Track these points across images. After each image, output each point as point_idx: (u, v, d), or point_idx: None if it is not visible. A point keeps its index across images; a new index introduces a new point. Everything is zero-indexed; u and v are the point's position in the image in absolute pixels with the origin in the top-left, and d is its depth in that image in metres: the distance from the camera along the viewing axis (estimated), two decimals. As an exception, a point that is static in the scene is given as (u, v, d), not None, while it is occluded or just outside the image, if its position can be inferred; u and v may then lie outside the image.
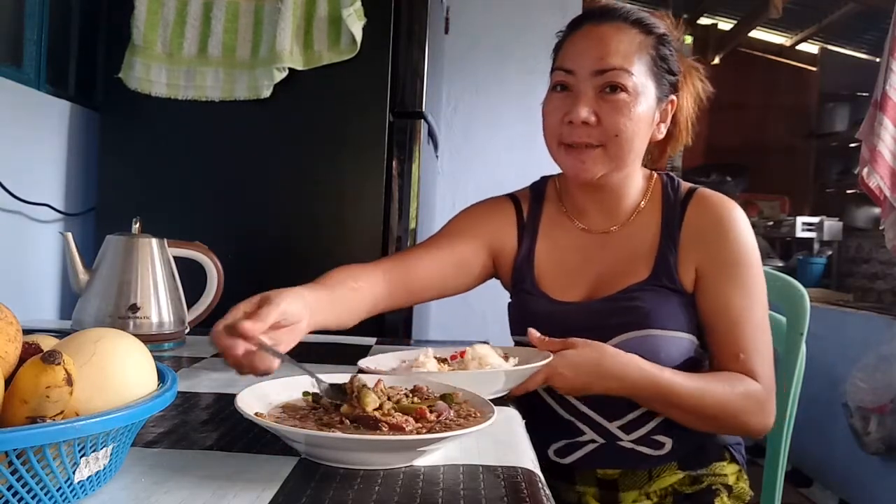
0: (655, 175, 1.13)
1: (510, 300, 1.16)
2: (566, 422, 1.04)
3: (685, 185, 1.12)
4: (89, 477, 0.51)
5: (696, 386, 0.97)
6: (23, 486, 0.45)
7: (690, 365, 1.03)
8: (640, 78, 1.00)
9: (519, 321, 1.10)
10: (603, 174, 1.03)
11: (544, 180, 1.21)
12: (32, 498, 0.46)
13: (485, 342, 1.38)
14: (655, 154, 1.16)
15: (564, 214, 1.14)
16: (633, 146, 1.02)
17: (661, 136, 1.08)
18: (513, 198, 1.20)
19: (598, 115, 0.99)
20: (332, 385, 0.71)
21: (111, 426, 0.49)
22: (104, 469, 0.53)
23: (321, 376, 0.74)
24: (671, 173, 1.15)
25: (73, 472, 0.49)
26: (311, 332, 0.88)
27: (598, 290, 1.07)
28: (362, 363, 0.95)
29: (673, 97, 1.07)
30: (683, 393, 0.96)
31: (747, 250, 1.04)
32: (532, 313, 1.08)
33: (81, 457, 0.49)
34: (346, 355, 1.11)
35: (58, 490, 0.48)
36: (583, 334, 0.96)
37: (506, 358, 0.96)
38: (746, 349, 1.01)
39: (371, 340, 1.35)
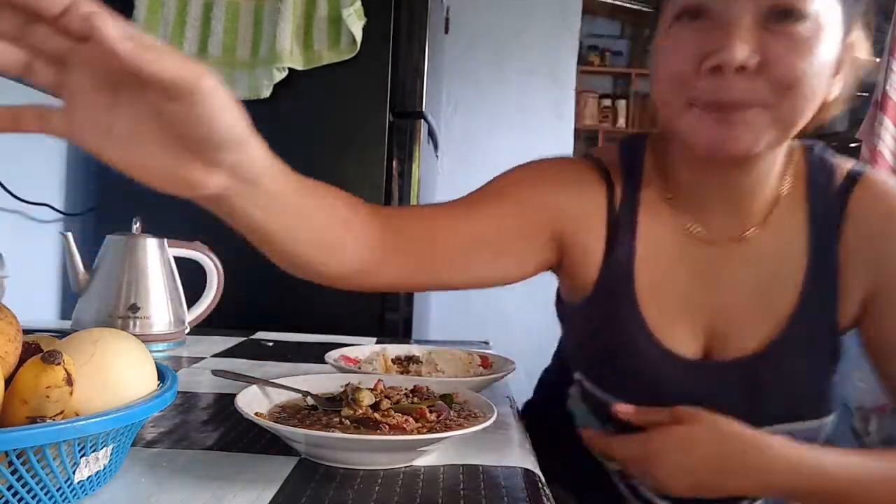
0: (796, 146, 0.77)
1: (576, 316, 0.82)
2: (605, 480, 0.80)
3: (840, 166, 0.76)
4: (89, 477, 0.50)
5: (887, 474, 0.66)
6: (23, 486, 0.45)
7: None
8: (824, 2, 0.64)
9: (603, 365, 0.78)
10: (759, 150, 0.67)
11: (638, 144, 0.81)
12: (32, 498, 0.46)
13: (485, 342, 1.38)
14: None
15: (670, 208, 0.77)
16: (810, 104, 0.66)
17: (833, 95, 0.70)
18: (601, 168, 0.80)
19: (764, 55, 0.63)
20: (326, 399, 0.71)
21: (111, 426, 0.49)
22: (104, 469, 0.52)
23: (316, 378, 0.74)
24: (819, 147, 0.77)
25: (73, 472, 0.48)
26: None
27: (721, 341, 0.74)
28: (328, 357, 0.96)
29: (851, 37, 0.69)
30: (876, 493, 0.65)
31: None
32: (634, 364, 0.75)
33: (81, 457, 0.49)
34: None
35: (58, 490, 0.47)
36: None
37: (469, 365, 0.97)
38: None
39: (371, 341, 1.35)
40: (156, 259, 1.15)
